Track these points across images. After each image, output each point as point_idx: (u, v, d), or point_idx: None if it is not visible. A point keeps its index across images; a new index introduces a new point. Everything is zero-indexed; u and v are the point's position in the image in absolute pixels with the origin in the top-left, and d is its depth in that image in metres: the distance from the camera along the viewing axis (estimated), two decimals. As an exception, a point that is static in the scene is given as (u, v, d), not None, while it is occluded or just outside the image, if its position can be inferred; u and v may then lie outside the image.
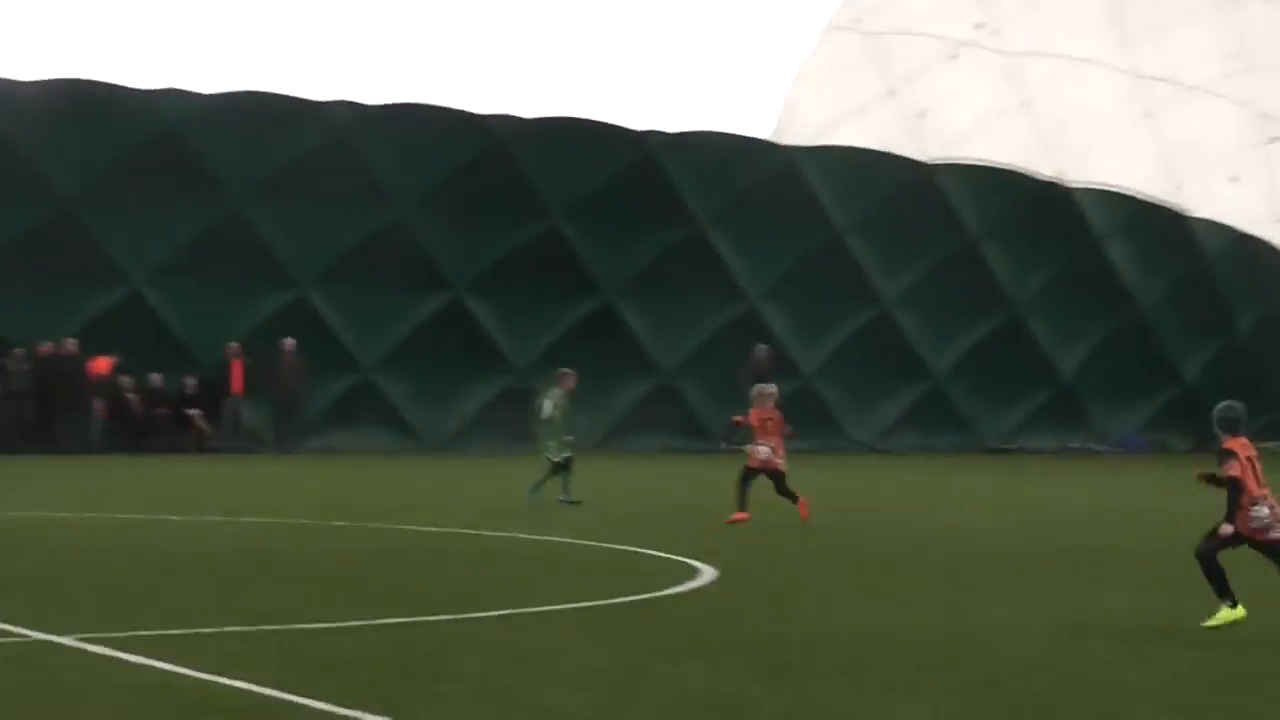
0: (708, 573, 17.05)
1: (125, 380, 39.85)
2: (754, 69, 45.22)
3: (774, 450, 23.29)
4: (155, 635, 12.56)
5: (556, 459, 25.72)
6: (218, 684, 10.71)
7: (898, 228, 47.43)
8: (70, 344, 38.88)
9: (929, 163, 47.86)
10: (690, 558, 18.14)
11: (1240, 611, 13.29)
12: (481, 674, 11.25)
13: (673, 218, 44.69)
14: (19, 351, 38.54)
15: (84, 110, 38.50)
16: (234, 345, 40.53)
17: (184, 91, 39.48)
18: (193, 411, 40.56)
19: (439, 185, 41.90)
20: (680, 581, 16.32)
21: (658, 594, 15.46)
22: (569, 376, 26.56)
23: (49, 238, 38.52)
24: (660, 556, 18.60)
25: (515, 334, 43.58)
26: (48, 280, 38.93)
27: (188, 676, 10.93)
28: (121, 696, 10.32)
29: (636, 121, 43.90)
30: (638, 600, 15.01)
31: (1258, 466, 13.40)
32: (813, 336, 47.42)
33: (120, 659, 11.53)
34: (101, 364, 39.45)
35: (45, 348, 38.82)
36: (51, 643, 12.20)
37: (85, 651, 11.85)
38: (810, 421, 47.09)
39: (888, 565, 18.40)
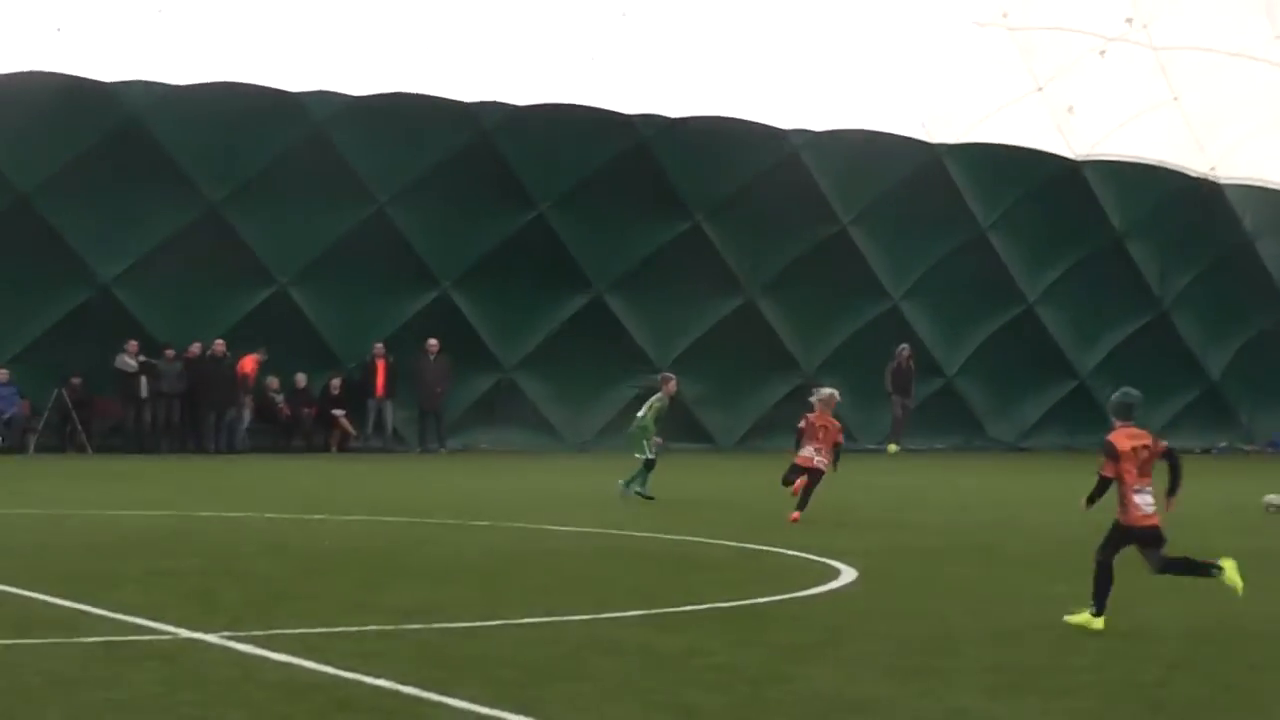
0: (847, 573, 17.02)
1: (271, 380, 40.35)
2: (899, 65, 44.81)
3: (817, 451, 23.72)
4: (298, 633, 12.71)
5: (649, 456, 26.44)
6: (359, 682, 10.82)
7: (1043, 224, 47.04)
8: (219, 345, 39.40)
9: (1076, 159, 47.41)
10: (830, 558, 18.12)
11: (1100, 623, 13.42)
12: (620, 674, 11.30)
13: (816, 216, 44.55)
14: (170, 352, 39.10)
15: (232, 112, 38.95)
16: (379, 346, 40.92)
17: (331, 93, 39.83)
18: (337, 411, 40.97)
19: (581, 185, 42.01)
20: (820, 582, 16.31)
21: (797, 594, 15.45)
22: (670, 380, 27.44)
23: (198, 240, 39.04)
24: (800, 557, 18.59)
25: (656, 332, 43.66)
26: (196, 282, 39.45)
27: (329, 675, 11.06)
28: (264, 694, 10.45)
29: (781, 120, 43.78)
30: (777, 600, 15.01)
31: (1148, 452, 13.68)
32: (955, 335, 47.16)
33: (264, 657, 11.68)
34: (248, 363, 39.94)
35: (193, 349, 39.37)
36: (197, 640, 12.38)
37: (230, 649, 12.02)
38: (951, 420, 47.03)
39: (1028, 565, 18.29)
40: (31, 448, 38.11)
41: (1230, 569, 13.74)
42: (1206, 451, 49.41)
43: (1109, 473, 13.66)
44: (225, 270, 39.60)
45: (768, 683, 11.07)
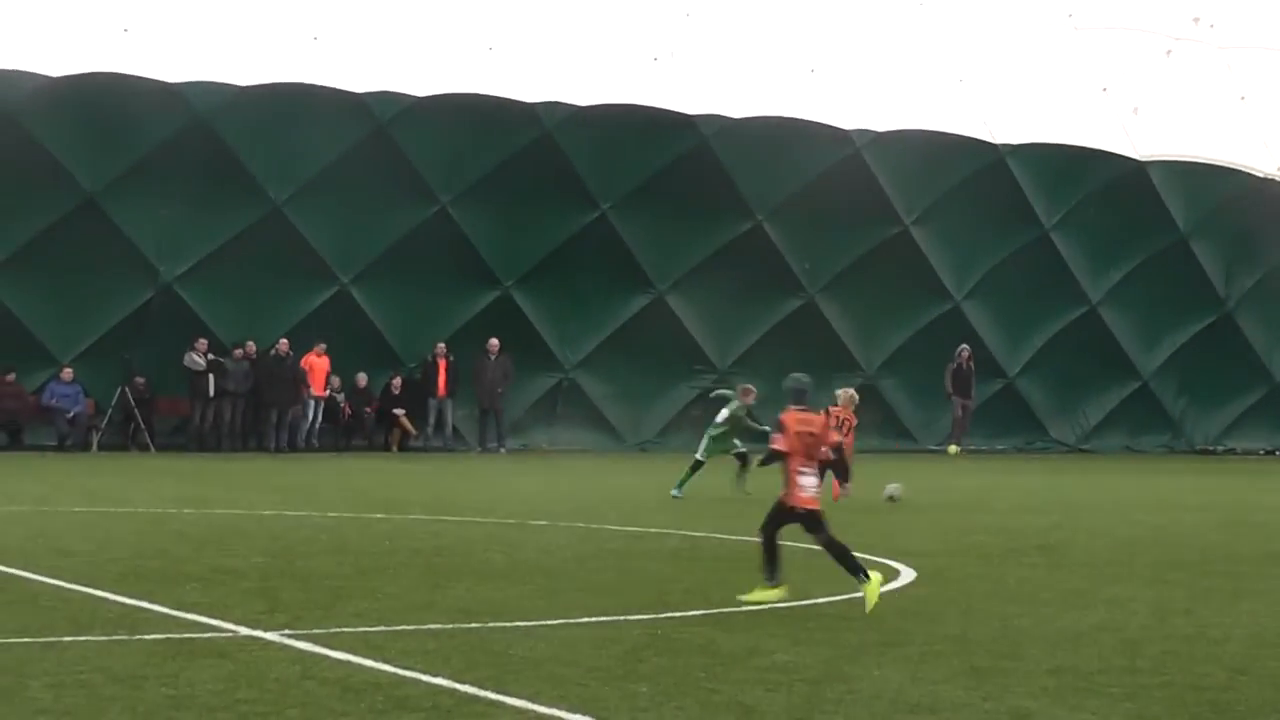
0: (906, 573, 16.96)
1: (332, 380, 40.48)
2: (962, 65, 44.67)
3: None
4: (357, 632, 12.73)
5: (700, 458, 27.41)
6: (417, 681, 10.83)
7: (1107, 225, 46.81)
8: (283, 344, 39.57)
9: (1141, 159, 47.14)
10: (889, 558, 18.05)
11: (777, 592, 14.27)
12: (678, 673, 11.27)
13: (878, 216, 44.45)
14: (238, 352, 39.27)
15: (296, 112, 39.11)
16: (440, 345, 41.01)
17: (394, 93, 39.95)
18: (398, 411, 41.06)
19: (643, 185, 42.03)
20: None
21: (857, 595, 15.37)
22: (750, 391, 27.80)
23: (261, 239, 39.21)
24: (860, 557, 18.47)
25: (715, 333, 43.68)
26: (259, 281, 39.63)
27: (388, 673, 11.07)
28: (324, 692, 10.46)
29: (843, 120, 43.70)
30: (836, 601, 14.95)
31: (813, 439, 14.29)
32: (1017, 336, 46.96)
33: (323, 655, 11.70)
34: (317, 359, 40.01)
35: (250, 348, 39.41)
36: (257, 638, 12.41)
37: (289, 647, 12.04)
38: (1013, 422, 46.84)
39: (1091, 566, 18.17)
40: (95, 446, 38.38)
41: (874, 584, 14.16)
42: (1271, 453, 49.13)
43: (780, 445, 14.19)
44: (288, 269, 39.78)
45: (828, 683, 11.03)
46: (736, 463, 27.26)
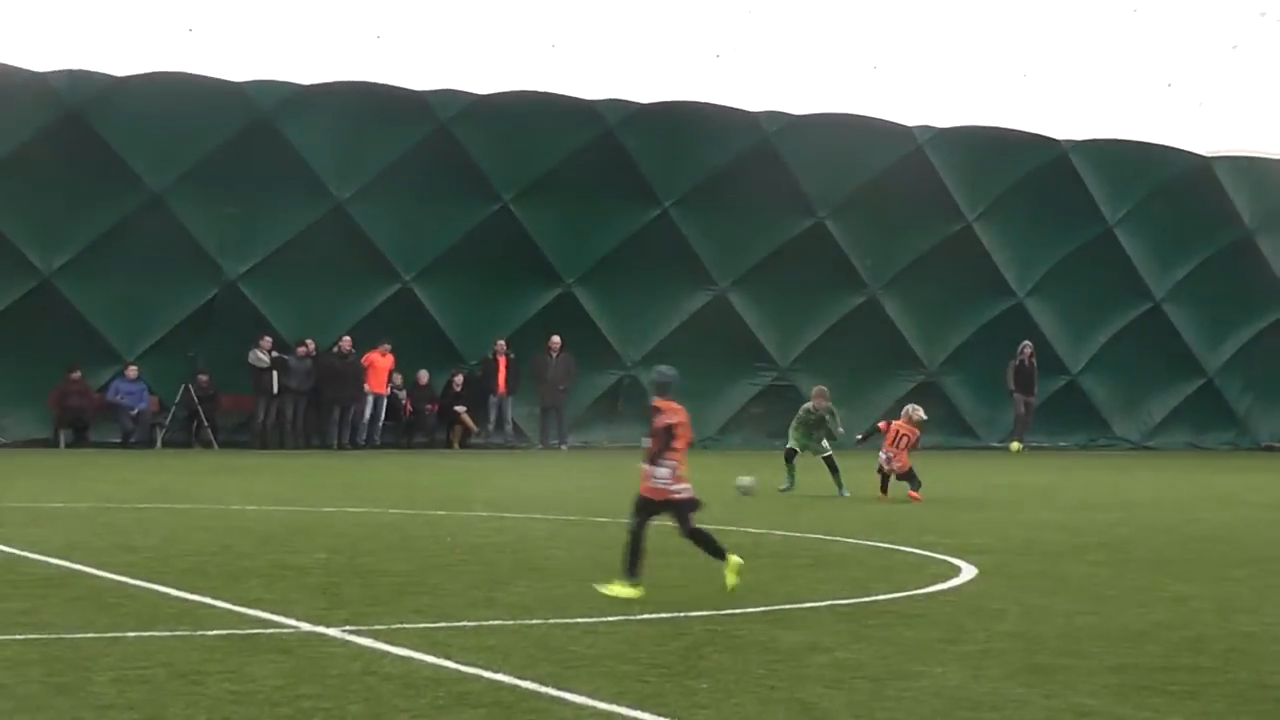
0: (968, 570, 16.90)
1: (395, 377, 40.59)
2: (1023, 61, 44.60)
3: (890, 459, 26.65)
4: (419, 628, 12.77)
5: (790, 445, 28.09)
6: (478, 677, 10.85)
7: (1172, 221, 46.55)
8: (345, 342, 39.69)
9: (1206, 155, 46.86)
10: (951, 555, 18.01)
11: (636, 592, 14.23)
12: (739, 670, 11.26)
13: (941, 212, 44.33)
14: (301, 349, 39.43)
15: (358, 110, 39.27)
16: (500, 343, 41.08)
17: (455, 91, 40.08)
18: (459, 408, 41.15)
19: (704, 181, 42.01)
20: (941, 579, 16.20)
21: (917, 592, 15.35)
22: (816, 397, 28.33)
23: (324, 237, 39.38)
24: (921, 554, 18.48)
25: (777, 330, 43.61)
26: (322, 278, 39.79)
27: (449, 669, 11.10)
28: (385, 687, 10.50)
29: (905, 116, 43.67)
30: (897, 598, 14.92)
31: (681, 428, 14.43)
32: (1080, 332, 46.75)
33: (384, 650, 11.74)
34: (375, 358, 40.09)
35: (310, 345, 39.48)
36: (319, 634, 12.46)
37: (351, 643, 12.08)
38: (1076, 419, 46.62)
39: (1154, 564, 18.07)
40: (159, 443, 38.61)
41: (617, 588, 14.39)
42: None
43: (672, 418, 14.40)
44: (350, 267, 39.94)
45: (888, 680, 11.00)
46: (828, 469, 27.42)
